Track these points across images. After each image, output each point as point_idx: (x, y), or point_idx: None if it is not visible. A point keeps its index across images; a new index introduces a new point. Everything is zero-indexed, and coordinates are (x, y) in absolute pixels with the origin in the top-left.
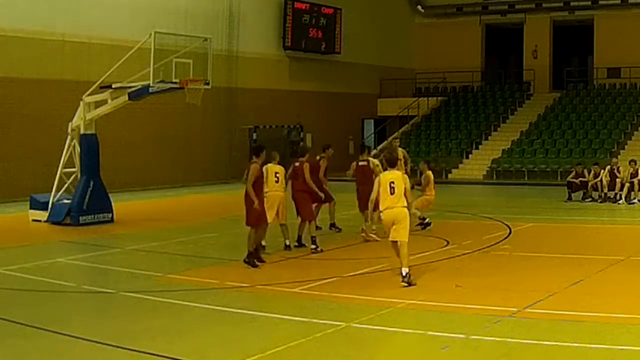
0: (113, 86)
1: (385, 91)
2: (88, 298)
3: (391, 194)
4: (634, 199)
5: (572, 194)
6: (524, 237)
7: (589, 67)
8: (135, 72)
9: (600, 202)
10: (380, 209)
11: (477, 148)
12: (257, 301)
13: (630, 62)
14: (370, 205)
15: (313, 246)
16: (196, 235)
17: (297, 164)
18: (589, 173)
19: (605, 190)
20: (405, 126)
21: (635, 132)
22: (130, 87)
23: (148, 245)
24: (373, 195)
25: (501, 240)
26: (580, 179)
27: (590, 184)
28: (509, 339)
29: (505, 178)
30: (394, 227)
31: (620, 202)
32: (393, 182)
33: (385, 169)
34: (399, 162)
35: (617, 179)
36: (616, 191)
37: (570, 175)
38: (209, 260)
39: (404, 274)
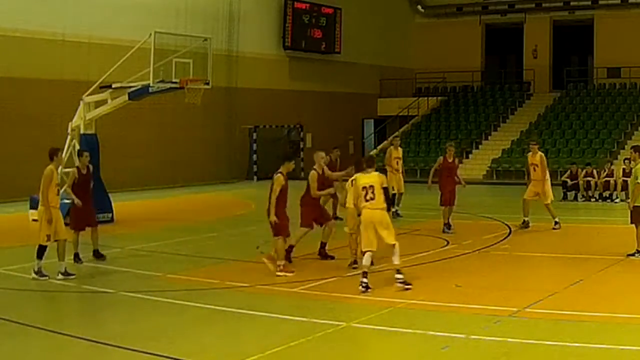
0: (113, 86)
1: (385, 91)
2: (88, 298)
3: None
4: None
5: (567, 194)
6: (524, 237)
7: (589, 67)
8: (135, 72)
9: (595, 202)
10: None
11: (477, 148)
12: (257, 301)
13: (630, 62)
14: None
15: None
16: (196, 235)
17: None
18: (583, 173)
19: (601, 190)
20: (405, 126)
21: (635, 132)
22: (130, 87)
23: (148, 245)
24: None
25: (501, 240)
26: (574, 180)
27: (591, 182)
28: (509, 339)
29: (505, 178)
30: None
31: (617, 200)
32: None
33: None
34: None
35: (612, 179)
36: (610, 191)
37: (565, 175)
38: (209, 260)
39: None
